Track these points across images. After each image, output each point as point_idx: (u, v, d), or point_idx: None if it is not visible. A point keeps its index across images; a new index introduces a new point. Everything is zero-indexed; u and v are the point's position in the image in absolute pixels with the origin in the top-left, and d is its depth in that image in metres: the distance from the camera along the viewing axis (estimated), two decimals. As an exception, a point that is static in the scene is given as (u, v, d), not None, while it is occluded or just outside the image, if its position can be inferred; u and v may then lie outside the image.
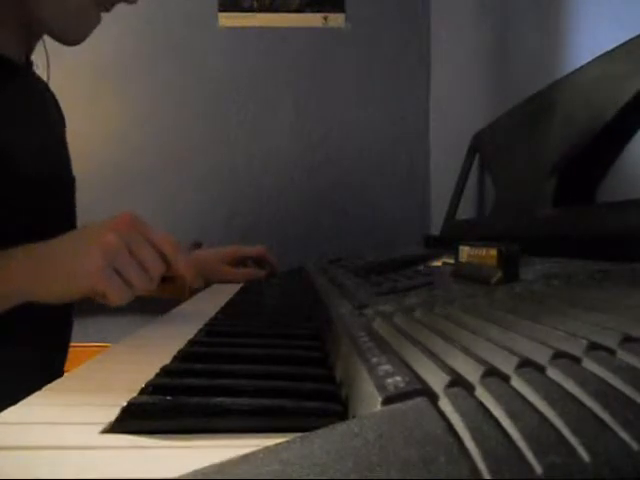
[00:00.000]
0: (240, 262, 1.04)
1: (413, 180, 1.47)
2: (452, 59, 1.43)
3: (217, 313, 0.60)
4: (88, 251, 0.51)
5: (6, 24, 0.68)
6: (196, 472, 0.15)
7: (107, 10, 0.70)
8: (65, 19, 0.66)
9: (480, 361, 0.19)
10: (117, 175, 1.45)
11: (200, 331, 0.47)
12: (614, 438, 0.12)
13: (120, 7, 0.71)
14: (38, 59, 0.79)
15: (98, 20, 0.70)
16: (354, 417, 0.24)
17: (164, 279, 0.75)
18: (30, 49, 0.74)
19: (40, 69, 0.81)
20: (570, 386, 0.15)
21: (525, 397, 0.15)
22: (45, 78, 0.83)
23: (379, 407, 0.18)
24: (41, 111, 0.78)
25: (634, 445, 0.12)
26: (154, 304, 0.99)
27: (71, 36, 0.69)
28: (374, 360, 0.24)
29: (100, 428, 0.25)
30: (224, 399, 0.26)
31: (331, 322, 0.40)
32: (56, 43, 0.71)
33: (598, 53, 0.63)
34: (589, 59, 0.65)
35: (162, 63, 1.46)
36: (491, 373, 0.18)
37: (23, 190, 0.67)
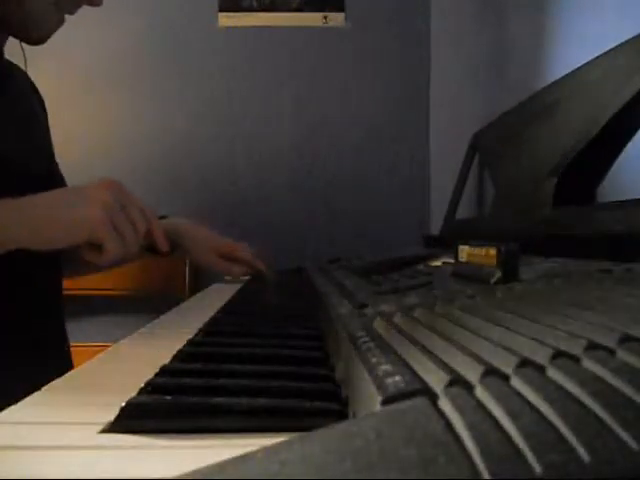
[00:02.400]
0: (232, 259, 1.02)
1: (413, 180, 1.47)
2: (452, 59, 1.43)
3: (217, 313, 0.60)
4: (89, 204, 0.56)
5: None
6: (195, 472, 0.15)
7: (71, 13, 0.71)
8: (24, 20, 0.67)
9: (480, 361, 0.19)
10: (116, 175, 1.45)
11: (200, 331, 0.47)
12: (613, 438, 0.12)
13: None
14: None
15: (60, 22, 0.70)
16: (354, 417, 0.24)
17: (162, 253, 0.79)
18: (2, 42, 0.74)
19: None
20: (570, 386, 0.15)
21: (524, 397, 0.15)
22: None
23: (379, 407, 0.18)
24: (18, 98, 0.78)
25: (633, 445, 0.12)
26: (154, 304, 0.99)
27: (32, 37, 0.69)
28: (374, 360, 0.24)
29: (99, 428, 0.25)
30: (223, 399, 0.26)
31: (331, 322, 0.40)
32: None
33: (596, 54, 0.63)
34: (587, 59, 0.65)
35: (162, 63, 1.46)
36: (491, 373, 0.18)
37: (3, 172, 0.67)
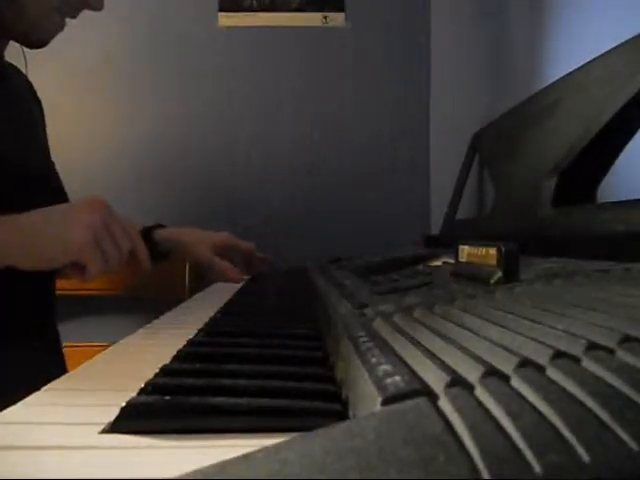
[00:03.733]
0: (229, 254, 1.02)
1: (413, 180, 1.47)
2: (452, 59, 1.43)
3: (217, 313, 0.60)
4: (75, 225, 0.57)
5: None
6: (195, 472, 0.15)
7: (73, 17, 0.71)
8: (25, 24, 0.67)
9: (480, 361, 0.19)
10: (115, 175, 1.45)
11: (200, 331, 0.47)
12: (613, 438, 0.12)
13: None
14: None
15: (62, 26, 0.70)
16: (354, 417, 0.24)
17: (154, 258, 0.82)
18: (2, 47, 0.74)
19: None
20: (569, 386, 0.15)
21: (525, 397, 0.15)
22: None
23: (379, 407, 0.18)
24: (16, 99, 0.79)
25: (633, 445, 0.12)
26: (154, 304, 0.99)
27: (33, 41, 0.69)
28: (374, 360, 0.24)
29: (99, 428, 0.25)
30: (224, 399, 0.26)
31: (331, 322, 0.40)
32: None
33: (596, 53, 0.63)
34: (587, 59, 0.65)
35: (162, 62, 1.46)
36: (491, 373, 0.18)
37: (1, 173, 0.68)
